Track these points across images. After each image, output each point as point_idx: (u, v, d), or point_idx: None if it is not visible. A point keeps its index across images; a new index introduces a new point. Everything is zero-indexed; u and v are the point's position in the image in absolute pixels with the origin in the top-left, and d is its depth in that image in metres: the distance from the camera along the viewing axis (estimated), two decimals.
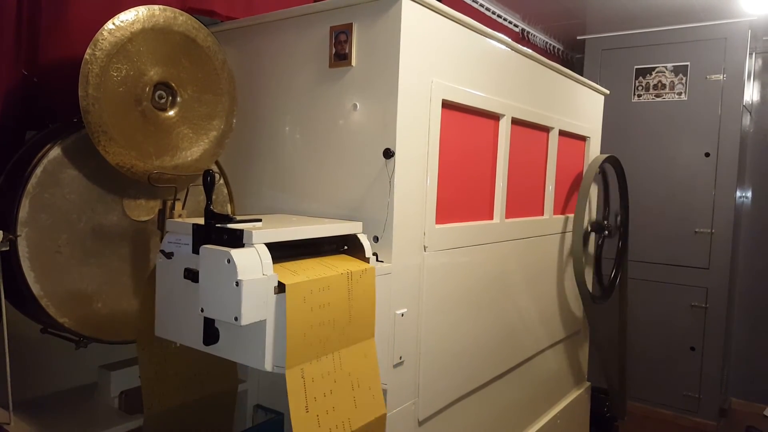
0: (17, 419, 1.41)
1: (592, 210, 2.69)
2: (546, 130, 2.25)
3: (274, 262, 1.17)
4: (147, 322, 1.39)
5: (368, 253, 1.40)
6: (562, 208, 2.46)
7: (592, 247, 2.69)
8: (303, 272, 1.22)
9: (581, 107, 2.55)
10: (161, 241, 1.34)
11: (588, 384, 2.89)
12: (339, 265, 1.32)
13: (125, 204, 1.51)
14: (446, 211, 1.69)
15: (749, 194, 3.90)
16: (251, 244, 1.15)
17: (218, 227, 1.19)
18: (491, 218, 1.93)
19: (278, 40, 1.68)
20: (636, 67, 3.63)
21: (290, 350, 1.15)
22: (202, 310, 1.19)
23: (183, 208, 1.54)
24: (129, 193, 1.51)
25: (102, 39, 1.33)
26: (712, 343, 3.46)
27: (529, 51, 2.06)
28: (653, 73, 3.58)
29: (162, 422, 1.47)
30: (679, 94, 3.51)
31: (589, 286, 2.59)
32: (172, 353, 1.46)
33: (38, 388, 1.60)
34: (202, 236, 1.22)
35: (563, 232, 2.45)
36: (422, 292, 1.60)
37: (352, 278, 1.30)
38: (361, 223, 1.45)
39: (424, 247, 1.59)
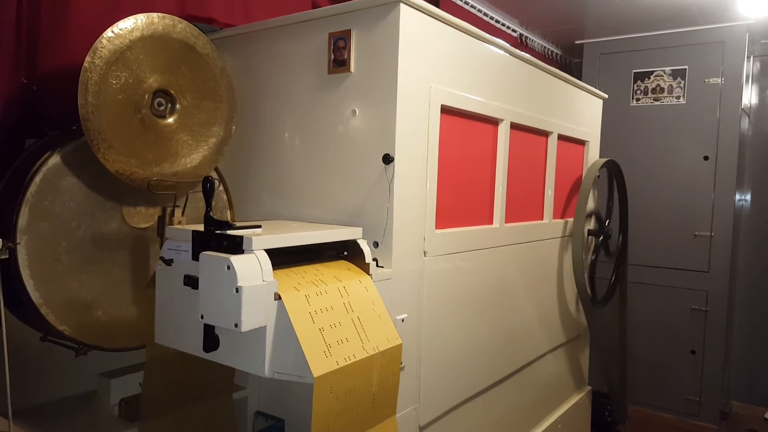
0: (17, 427, 1.40)
1: (591, 214, 2.69)
2: (545, 134, 2.25)
3: (274, 268, 1.17)
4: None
5: (368, 259, 1.40)
6: (561, 212, 2.46)
7: (591, 250, 2.69)
8: (306, 287, 1.19)
9: (580, 111, 2.56)
10: (161, 248, 1.34)
11: (589, 388, 2.89)
12: (345, 278, 1.29)
13: (125, 211, 1.51)
14: (446, 216, 1.69)
15: (748, 197, 3.91)
16: (251, 251, 1.15)
17: (218, 234, 1.19)
18: (491, 223, 1.93)
19: (277, 47, 1.68)
20: (634, 71, 3.64)
21: None
22: (202, 317, 1.18)
23: (182, 215, 1.54)
24: (128, 200, 1.51)
25: (101, 47, 1.33)
26: (712, 346, 3.46)
27: (528, 56, 2.06)
28: (652, 76, 3.59)
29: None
30: (678, 97, 3.52)
31: (589, 290, 2.59)
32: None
33: (38, 396, 1.59)
34: (202, 243, 1.22)
35: (563, 236, 2.45)
36: (422, 297, 1.59)
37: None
38: (360, 228, 1.45)
39: (424, 252, 1.59)
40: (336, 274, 1.31)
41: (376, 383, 1.25)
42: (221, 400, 1.58)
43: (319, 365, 1.11)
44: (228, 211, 1.74)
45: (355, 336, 1.22)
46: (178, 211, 1.52)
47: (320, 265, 1.34)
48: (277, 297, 1.16)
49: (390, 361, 1.29)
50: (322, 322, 1.18)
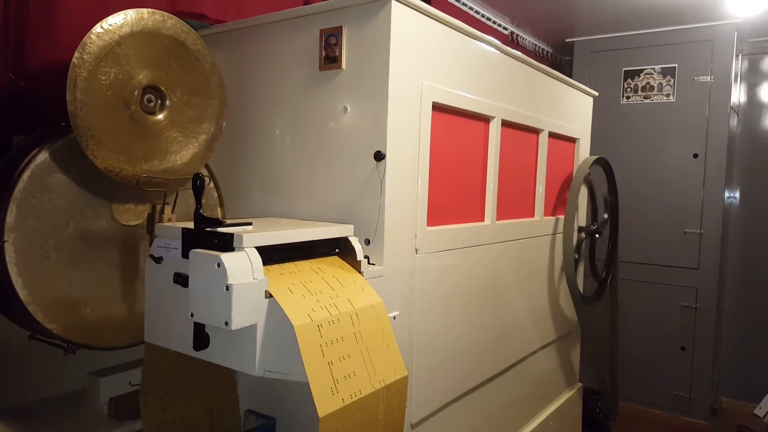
0: (4, 427, 1.39)
1: (581, 211, 2.70)
2: (536, 132, 2.26)
3: (264, 266, 1.16)
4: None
5: (359, 256, 1.39)
6: (552, 209, 2.46)
7: (582, 248, 2.70)
8: (319, 313, 1.17)
9: (570, 109, 2.56)
10: (150, 246, 1.33)
11: (580, 385, 2.90)
12: (357, 301, 1.27)
13: (114, 208, 1.49)
14: (437, 214, 1.69)
15: (737, 194, 3.94)
16: (241, 248, 1.15)
17: (208, 231, 1.19)
18: (482, 220, 1.93)
19: (268, 43, 1.67)
20: (624, 69, 3.66)
21: None
22: (192, 315, 1.18)
23: (172, 212, 1.52)
24: (118, 197, 1.50)
25: (90, 42, 1.32)
26: (702, 342, 3.48)
27: (519, 53, 2.07)
28: (641, 74, 3.61)
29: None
30: (668, 95, 3.54)
31: (580, 288, 2.60)
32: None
33: (26, 396, 1.58)
34: (192, 240, 1.21)
35: (554, 234, 2.46)
36: (414, 294, 1.59)
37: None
38: (352, 225, 1.45)
39: (416, 250, 1.59)
40: (350, 297, 1.27)
41: (381, 417, 1.23)
42: (224, 377, 1.57)
43: (326, 404, 1.09)
44: (218, 209, 1.74)
45: (362, 369, 1.20)
46: (167, 209, 1.51)
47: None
48: (268, 295, 1.16)
49: (396, 393, 1.26)
50: (331, 355, 1.15)
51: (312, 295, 1.21)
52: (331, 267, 1.35)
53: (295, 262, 1.31)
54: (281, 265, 1.27)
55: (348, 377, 1.16)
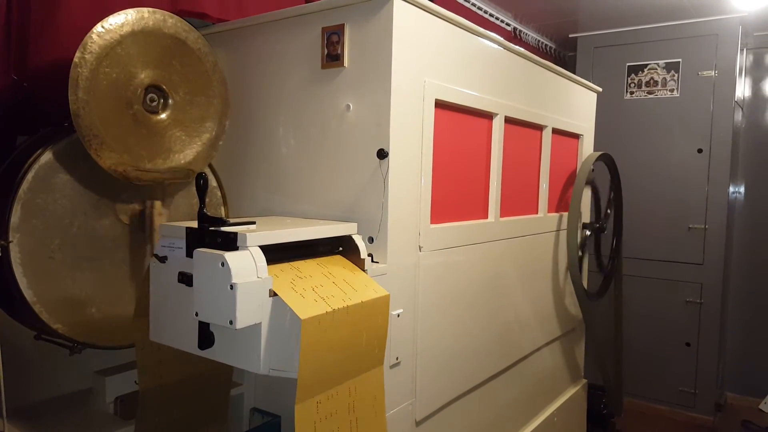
0: (11, 426, 1.40)
1: (586, 207, 2.70)
2: (539, 128, 2.25)
3: (268, 265, 1.16)
4: (143, 321, 1.38)
5: (363, 255, 1.39)
6: (556, 206, 2.46)
7: (586, 244, 2.70)
8: (319, 389, 1.20)
9: (574, 105, 2.56)
10: (145, 243, 1.33)
11: (584, 381, 2.90)
12: (356, 370, 1.29)
13: (118, 208, 1.50)
14: (441, 211, 1.69)
15: (742, 189, 3.92)
16: (245, 247, 1.15)
17: (212, 230, 1.19)
18: (486, 217, 1.93)
19: (270, 42, 1.67)
20: (628, 64, 3.64)
21: None
22: (196, 314, 1.18)
23: (163, 206, 1.52)
24: (121, 197, 1.50)
25: (91, 42, 1.32)
26: (707, 338, 3.47)
27: (522, 50, 2.06)
28: (645, 70, 3.59)
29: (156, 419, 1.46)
30: (672, 90, 3.52)
31: (585, 284, 2.60)
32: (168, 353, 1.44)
33: (32, 395, 1.59)
34: (196, 240, 1.21)
35: (558, 230, 2.45)
36: (418, 292, 1.59)
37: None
38: (355, 224, 1.45)
39: (419, 247, 1.59)
40: (358, 356, 1.28)
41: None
42: (218, 396, 1.57)
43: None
44: (222, 208, 1.74)
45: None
46: (158, 204, 1.51)
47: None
48: (272, 294, 1.16)
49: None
50: (323, 431, 1.20)
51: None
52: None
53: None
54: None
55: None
